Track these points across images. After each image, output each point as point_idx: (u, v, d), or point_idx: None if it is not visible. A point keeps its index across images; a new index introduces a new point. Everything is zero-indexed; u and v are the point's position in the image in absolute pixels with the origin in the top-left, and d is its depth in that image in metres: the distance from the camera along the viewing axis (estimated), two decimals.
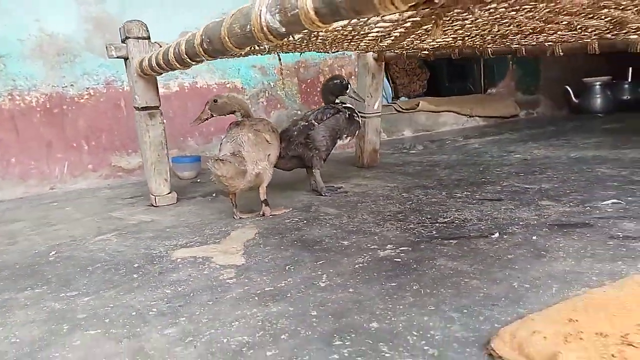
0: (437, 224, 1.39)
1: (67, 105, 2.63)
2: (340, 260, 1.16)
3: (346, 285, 1.01)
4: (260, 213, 1.68)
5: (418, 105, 3.65)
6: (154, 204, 1.99)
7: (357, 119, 2.12)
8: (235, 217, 1.68)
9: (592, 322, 0.70)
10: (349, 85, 2.08)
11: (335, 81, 2.12)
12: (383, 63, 2.48)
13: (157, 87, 1.92)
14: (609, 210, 1.38)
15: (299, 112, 3.21)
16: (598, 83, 4.08)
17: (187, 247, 1.38)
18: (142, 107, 1.89)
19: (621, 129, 3.12)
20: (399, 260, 1.13)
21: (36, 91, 2.55)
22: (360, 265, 1.12)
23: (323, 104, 2.12)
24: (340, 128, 2.04)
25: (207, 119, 1.78)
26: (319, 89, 3.26)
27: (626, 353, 0.62)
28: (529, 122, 4.02)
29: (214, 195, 2.13)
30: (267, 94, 3.11)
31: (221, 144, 1.69)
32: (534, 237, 1.20)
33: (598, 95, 4.07)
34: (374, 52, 2.30)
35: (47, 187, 2.61)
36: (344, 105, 2.12)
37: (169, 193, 2.00)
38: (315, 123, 2.00)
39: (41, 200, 2.34)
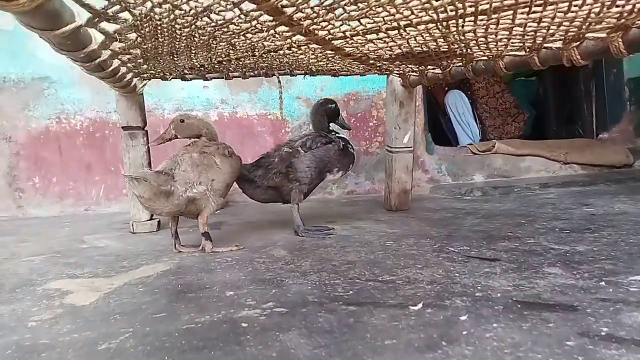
0: (371, 282, 1.00)
1: (108, 130, 2.71)
2: (182, 318, 0.86)
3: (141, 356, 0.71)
4: (200, 247, 1.44)
5: (494, 147, 3.11)
6: (132, 231, 1.86)
7: (352, 151, 1.79)
8: (174, 249, 1.46)
9: None
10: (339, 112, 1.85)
11: (331, 105, 1.84)
12: (416, 90, 2.12)
13: (142, 107, 1.83)
14: (632, 289, 0.85)
15: None
16: None
17: (74, 278, 1.18)
18: (123, 127, 1.81)
19: None
20: (247, 325, 0.79)
21: (81, 115, 2.68)
22: (188, 328, 0.80)
23: (312, 129, 1.84)
24: (331, 160, 1.73)
25: (169, 139, 1.59)
26: (370, 124, 2.96)
27: None
28: None
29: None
30: (311, 127, 2.90)
31: None
32: (464, 317, 0.76)
33: None
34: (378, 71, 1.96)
35: (83, 207, 2.69)
36: (337, 135, 1.82)
37: (149, 220, 1.87)
38: (302, 150, 1.72)
39: (61, 220, 2.38)
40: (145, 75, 1.63)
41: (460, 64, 1.45)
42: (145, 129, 1.89)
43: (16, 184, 2.60)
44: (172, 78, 1.84)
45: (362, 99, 2.96)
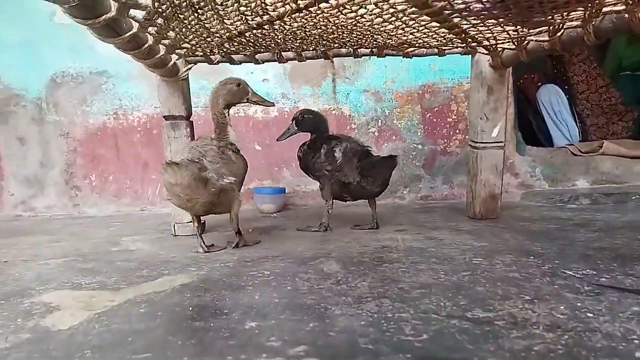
0: (456, 320, 0.67)
1: None
2: None
3: None
4: (234, 244, 1.35)
5: (601, 148, 2.59)
6: (173, 233, 1.65)
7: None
8: (199, 249, 1.32)
9: None
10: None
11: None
12: (508, 72, 1.73)
13: (185, 94, 1.62)
14: None
15: (419, 147, 2.58)
16: None
17: (76, 289, 0.96)
18: (165, 116, 1.61)
19: None
20: None
21: (139, 111, 2.56)
22: None
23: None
24: None
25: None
26: (449, 120, 2.58)
27: None
28: None
29: (250, 230, 1.69)
30: (379, 123, 2.58)
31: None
32: None
33: None
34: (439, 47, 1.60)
35: (139, 207, 2.56)
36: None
37: (191, 221, 1.65)
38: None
39: (112, 220, 2.26)
40: (188, 55, 1.42)
41: (581, 19, 1.07)
42: (190, 119, 1.68)
43: (73, 182, 2.53)
44: (219, 61, 1.62)
45: (440, 91, 2.58)
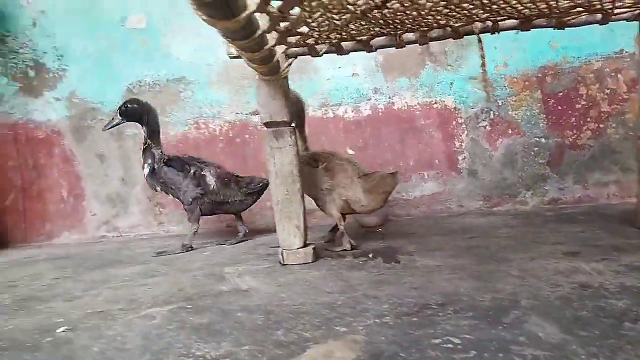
0: None
1: (249, 135, 2.35)
2: None
3: None
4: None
5: None
6: (282, 262, 1.40)
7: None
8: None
9: None
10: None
11: (131, 105, 1.83)
12: None
13: (287, 96, 1.36)
14: None
15: (542, 141, 2.18)
16: None
17: None
18: (265, 123, 1.35)
19: None
20: None
21: (220, 119, 2.35)
22: None
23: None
24: None
25: None
26: (577, 107, 2.16)
27: None
28: None
29: (370, 255, 1.40)
30: (491, 115, 2.21)
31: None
32: None
33: None
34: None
35: (224, 223, 2.36)
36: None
37: (302, 247, 1.38)
38: None
39: (201, 240, 2.05)
40: (298, 44, 1.14)
41: None
42: (293, 124, 1.41)
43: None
44: (325, 51, 1.33)
45: (564, 72, 2.17)
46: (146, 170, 1.84)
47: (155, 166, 1.82)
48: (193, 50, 2.32)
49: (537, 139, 2.19)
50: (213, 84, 2.34)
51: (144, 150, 1.85)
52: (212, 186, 1.83)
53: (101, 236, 2.39)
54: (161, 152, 1.85)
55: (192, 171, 1.82)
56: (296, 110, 1.47)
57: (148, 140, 1.83)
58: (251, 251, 1.68)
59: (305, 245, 1.39)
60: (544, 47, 2.17)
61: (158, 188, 1.85)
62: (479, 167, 2.23)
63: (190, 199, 1.80)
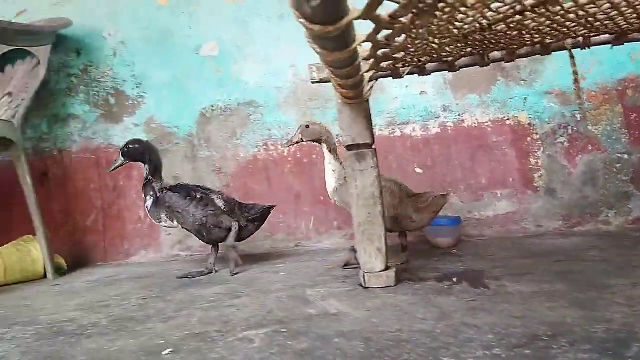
0: None
1: (316, 155, 2.38)
2: None
3: None
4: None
5: None
6: (363, 285, 1.39)
7: None
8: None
9: None
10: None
11: (133, 146, 1.90)
12: None
13: (369, 118, 1.36)
14: None
15: (625, 157, 2.06)
16: None
17: None
18: (347, 146, 1.36)
19: None
20: None
21: (287, 139, 2.39)
22: None
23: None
24: None
25: (297, 143, 1.81)
26: None
27: None
28: None
29: (454, 280, 1.37)
30: (569, 131, 2.12)
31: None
32: None
33: None
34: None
35: (293, 243, 2.38)
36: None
37: (384, 270, 1.37)
38: None
39: (272, 260, 2.08)
40: (389, 69, 1.15)
41: None
42: (374, 146, 1.41)
43: None
44: (409, 72, 1.33)
45: None
46: (149, 202, 1.87)
47: (159, 195, 1.85)
48: (262, 75, 2.39)
49: (619, 155, 2.07)
50: (280, 107, 2.40)
51: (144, 186, 1.89)
52: (222, 207, 1.84)
53: (175, 255, 2.48)
54: (161, 184, 1.89)
55: (198, 196, 1.85)
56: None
57: (150, 177, 1.87)
58: (325, 271, 1.68)
59: (387, 268, 1.38)
60: (624, 59, 2.08)
61: (163, 215, 1.86)
62: (557, 185, 2.13)
63: (199, 221, 1.81)
